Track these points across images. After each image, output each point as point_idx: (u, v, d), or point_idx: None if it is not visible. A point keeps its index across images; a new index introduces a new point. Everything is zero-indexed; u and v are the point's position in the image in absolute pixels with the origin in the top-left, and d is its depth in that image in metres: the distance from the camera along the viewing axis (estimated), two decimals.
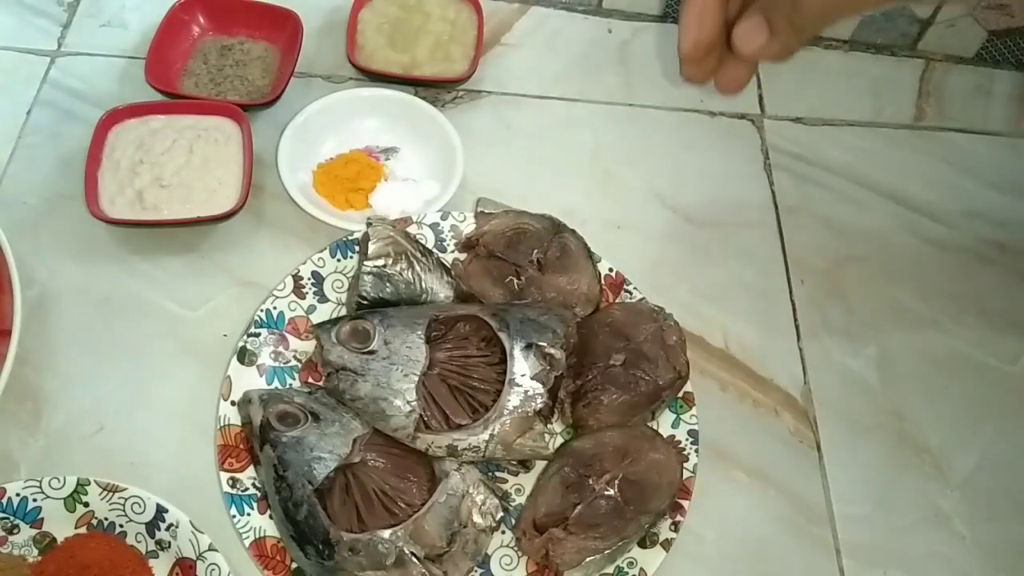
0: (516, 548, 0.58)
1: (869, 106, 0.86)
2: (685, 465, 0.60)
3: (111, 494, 0.54)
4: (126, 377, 0.62)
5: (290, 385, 0.62)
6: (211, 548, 0.53)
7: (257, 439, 0.57)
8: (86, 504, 0.54)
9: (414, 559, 0.53)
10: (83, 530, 0.54)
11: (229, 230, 0.68)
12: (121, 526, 0.54)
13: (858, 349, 0.71)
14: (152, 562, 0.54)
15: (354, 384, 0.58)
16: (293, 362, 0.62)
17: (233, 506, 0.56)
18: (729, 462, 0.64)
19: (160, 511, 0.54)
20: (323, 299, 0.65)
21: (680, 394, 0.63)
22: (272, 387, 0.61)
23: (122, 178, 0.67)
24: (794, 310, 0.72)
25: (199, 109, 0.70)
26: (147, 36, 0.76)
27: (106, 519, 0.54)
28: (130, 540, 0.54)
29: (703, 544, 0.60)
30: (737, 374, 0.68)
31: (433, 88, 0.79)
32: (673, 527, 0.58)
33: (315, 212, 0.68)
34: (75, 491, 0.54)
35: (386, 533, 0.53)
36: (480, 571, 0.57)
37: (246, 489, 0.57)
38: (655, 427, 0.62)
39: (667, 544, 0.57)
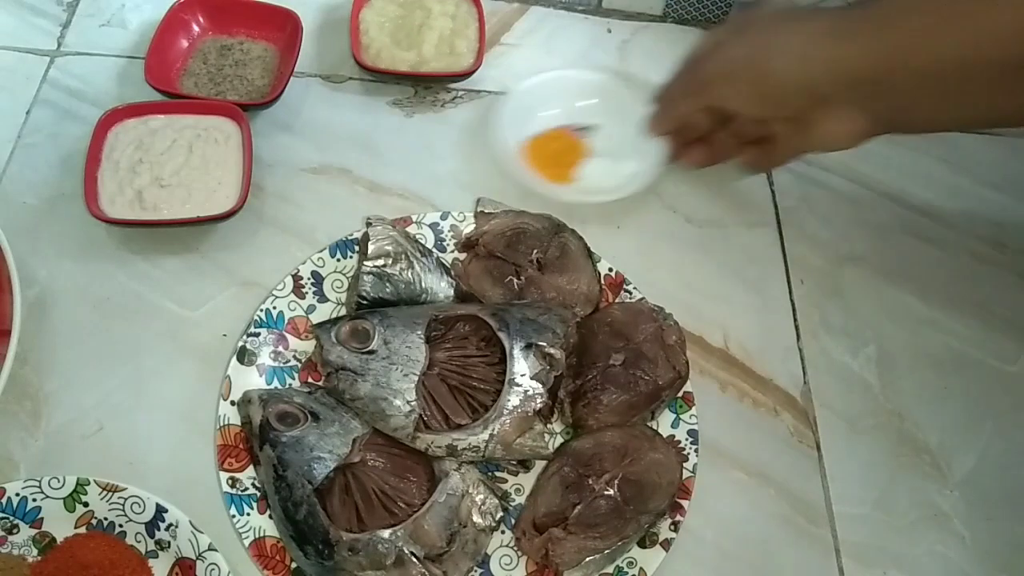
0: (516, 548, 0.58)
1: None
2: (685, 465, 0.60)
3: (111, 494, 0.54)
4: (126, 377, 0.62)
5: (290, 385, 0.62)
6: (211, 548, 0.53)
7: (257, 439, 0.57)
8: (86, 504, 0.54)
9: (414, 559, 0.53)
10: (83, 530, 0.54)
11: (229, 230, 0.68)
12: (121, 526, 0.54)
13: (858, 349, 0.71)
14: (152, 562, 0.54)
15: (354, 384, 0.58)
16: (293, 362, 0.62)
17: (233, 506, 0.56)
18: (729, 462, 0.64)
19: (160, 511, 0.54)
20: (323, 299, 0.65)
21: (680, 394, 0.63)
22: (272, 387, 0.61)
23: (122, 178, 0.67)
24: (794, 310, 0.72)
25: (199, 109, 0.70)
26: (147, 36, 0.76)
27: (106, 519, 0.54)
28: (130, 540, 0.54)
29: (703, 544, 0.60)
30: (737, 374, 0.68)
31: (436, 85, 0.79)
32: (673, 527, 0.58)
33: (525, 181, 0.72)
34: (75, 491, 0.54)
35: (386, 533, 0.53)
36: (480, 571, 0.57)
37: (246, 489, 0.57)
38: (655, 427, 0.62)
39: (667, 544, 0.57)
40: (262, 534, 0.56)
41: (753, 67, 0.62)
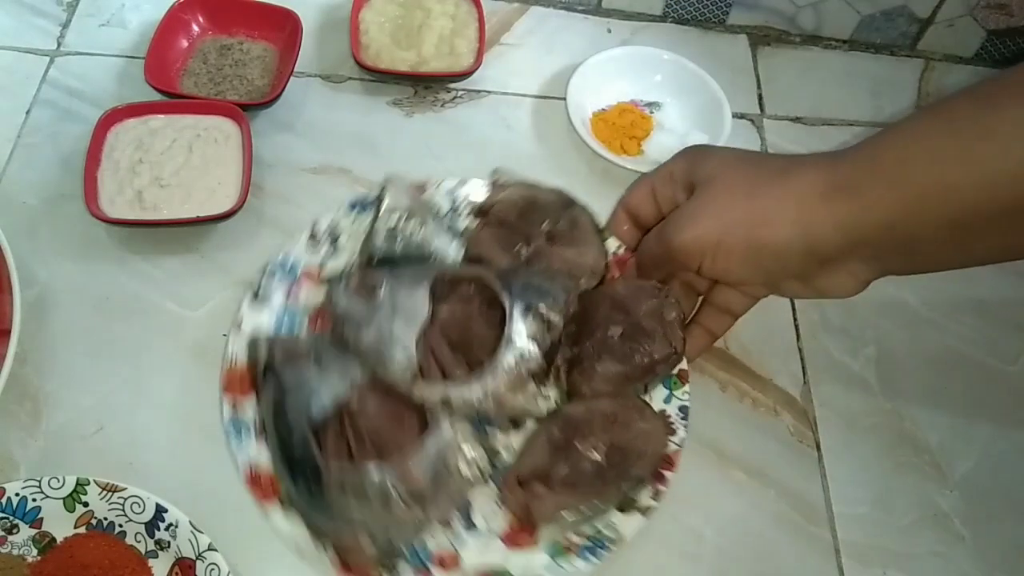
0: (499, 501, 0.59)
1: (869, 106, 0.86)
2: (673, 439, 0.61)
3: (110, 494, 0.54)
4: (126, 377, 0.62)
5: (298, 329, 0.64)
6: (210, 548, 0.53)
7: (261, 374, 0.59)
8: (85, 504, 0.54)
9: (397, 495, 0.55)
10: (82, 530, 0.54)
11: (229, 230, 0.68)
12: (120, 526, 0.54)
13: (858, 349, 0.71)
14: (151, 562, 0.54)
15: (358, 332, 0.60)
16: (304, 308, 0.65)
17: (232, 434, 0.58)
18: (729, 462, 0.64)
19: (159, 511, 0.54)
20: (338, 252, 0.67)
21: (675, 371, 0.64)
22: (281, 329, 0.63)
23: (121, 178, 0.67)
24: (793, 310, 0.72)
25: (198, 109, 0.70)
26: (146, 36, 0.76)
27: (105, 519, 0.54)
28: (129, 540, 0.54)
29: (703, 544, 0.60)
30: (737, 374, 0.68)
31: (436, 85, 0.79)
32: (654, 496, 0.58)
33: (597, 148, 0.75)
34: (74, 491, 0.54)
35: (373, 468, 0.55)
36: (463, 519, 0.58)
37: (247, 421, 0.59)
38: (647, 400, 0.63)
39: (646, 511, 0.58)
40: (257, 463, 0.58)
41: (746, 239, 0.55)
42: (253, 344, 0.61)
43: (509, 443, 0.61)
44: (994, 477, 0.66)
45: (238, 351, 0.61)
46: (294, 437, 0.56)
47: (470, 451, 0.58)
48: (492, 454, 0.60)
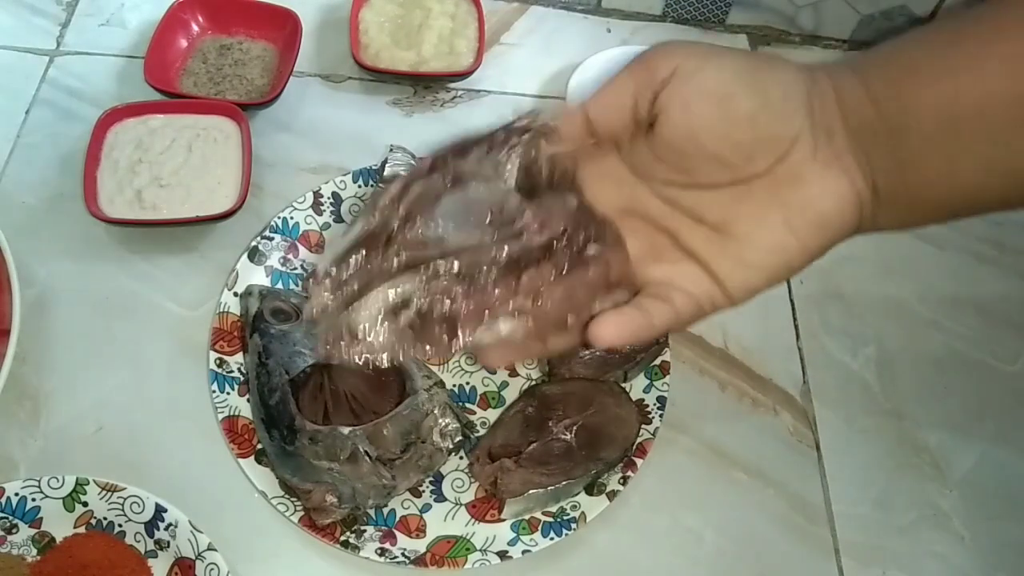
0: (469, 473, 0.60)
1: None
2: (647, 427, 0.61)
3: (110, 494, 0.54)
4: (125, 376, 0.62)
5: (292, 291, 0.65)
6: (210, 548, 0.53)
7: (249, 328, 0.61)
8: (85, 504, 0.54)
9: (366, 458, 0.56)
10: (82, 530, 0.54)
11: (228, 229, 0.68)
12: (120, 526, 0.54)
13: (857, 348, 0.70)
14: (151, 562, 0.54)
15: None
16: (299, 271, 0.66)
17: (215, 383, 0.60)
18: (728, 462, 0.64)
19: (159, 511, 0.54)
20: (339, 219, 0.69)
21: (657, 362, 0.64)
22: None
23: (121, 177, 0.67)
24: (793, 309, 0.72)
25: (198, 108, 0.70)
26: (146, 35, 0.76)
27: (105, 519, 0.54)
28: (129, 540, 0.54)
29: (702, 544, 0.60)
30: (736, 373, 0.68)
31: (435, 85, 0.79)
32: (622, 481, 0.59)
33: None
34: (74, 491, 0.54)
35: (346, 430, 0.56)
36: (432, 487, 0.59)
37: (231, 371, 0.61)
38: (627, 388, 0.63)
39: (612, 495, 0.58)
40: (236, 413, 0.60)
41: (740, 64, 0.41)
42: (245, 294, 0.63)
43: (485, 416, 0.62)
44: (994, 477, 0.66)
45: (230, 304, 0.63)
46: (274, 391, 0.57)
47: (445, 421, 0.59)
48: (467, 426, 0.61)
